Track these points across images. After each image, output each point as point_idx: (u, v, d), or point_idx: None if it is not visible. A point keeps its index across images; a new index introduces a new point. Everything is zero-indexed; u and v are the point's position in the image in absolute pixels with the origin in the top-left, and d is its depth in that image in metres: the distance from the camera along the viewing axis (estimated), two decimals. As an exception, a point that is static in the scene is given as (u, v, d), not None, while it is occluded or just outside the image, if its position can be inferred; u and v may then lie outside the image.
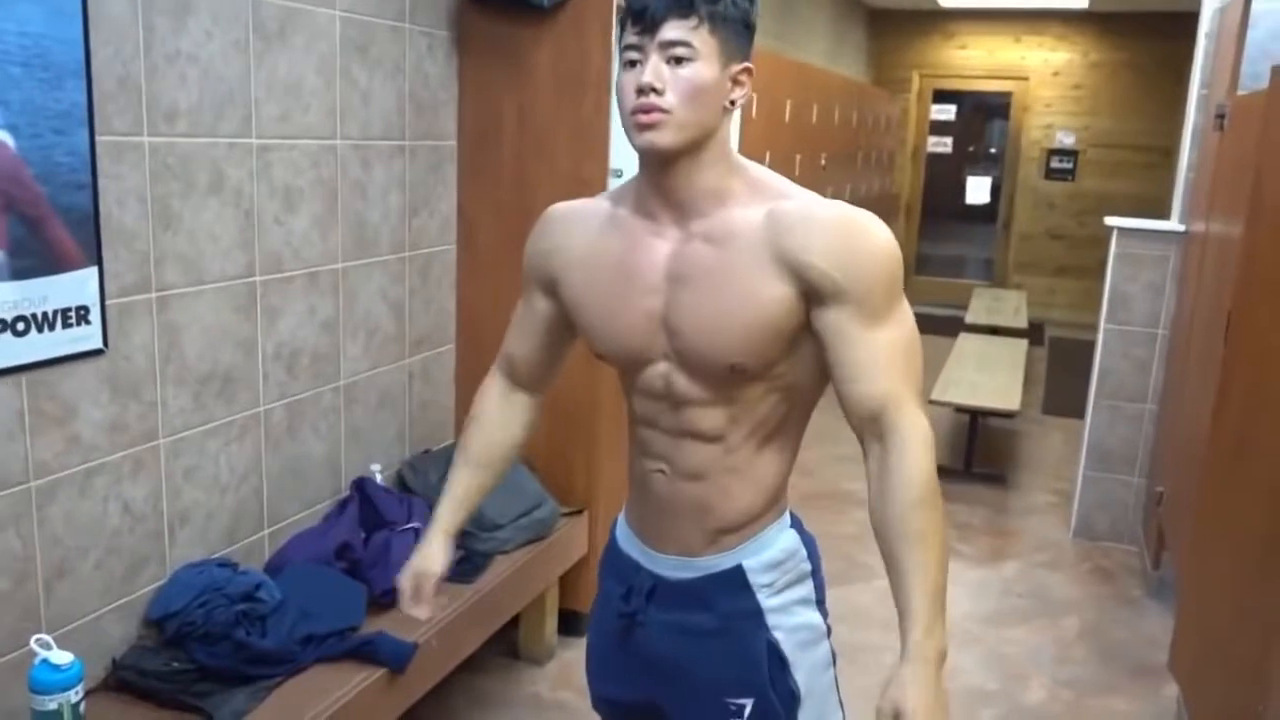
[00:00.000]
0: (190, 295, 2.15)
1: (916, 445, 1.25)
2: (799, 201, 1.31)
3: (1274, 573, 2.07)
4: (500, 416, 1.62)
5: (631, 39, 1.27)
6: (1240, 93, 3.36)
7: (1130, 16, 8.43)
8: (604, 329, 1.40)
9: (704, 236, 1.32)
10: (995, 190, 9.35)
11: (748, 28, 1.30)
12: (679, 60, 1.24)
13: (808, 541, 1.48)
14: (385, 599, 2.37)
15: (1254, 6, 3.35)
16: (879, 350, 1.27)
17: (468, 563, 2.63)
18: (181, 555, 2.21)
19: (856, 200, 6.81)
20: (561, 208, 1.50)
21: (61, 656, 1.71)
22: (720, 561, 1.43)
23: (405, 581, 1.59)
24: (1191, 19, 8.01)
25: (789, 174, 4.84)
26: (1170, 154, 8.57)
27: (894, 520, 1.25)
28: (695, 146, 1.28)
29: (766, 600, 1.42)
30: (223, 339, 2.25)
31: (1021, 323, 6.99)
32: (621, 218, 1.39)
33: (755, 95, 4.18)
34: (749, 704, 1.42)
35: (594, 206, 1.45)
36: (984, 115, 9.48)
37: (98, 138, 1.90)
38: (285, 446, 2.48)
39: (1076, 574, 3.91)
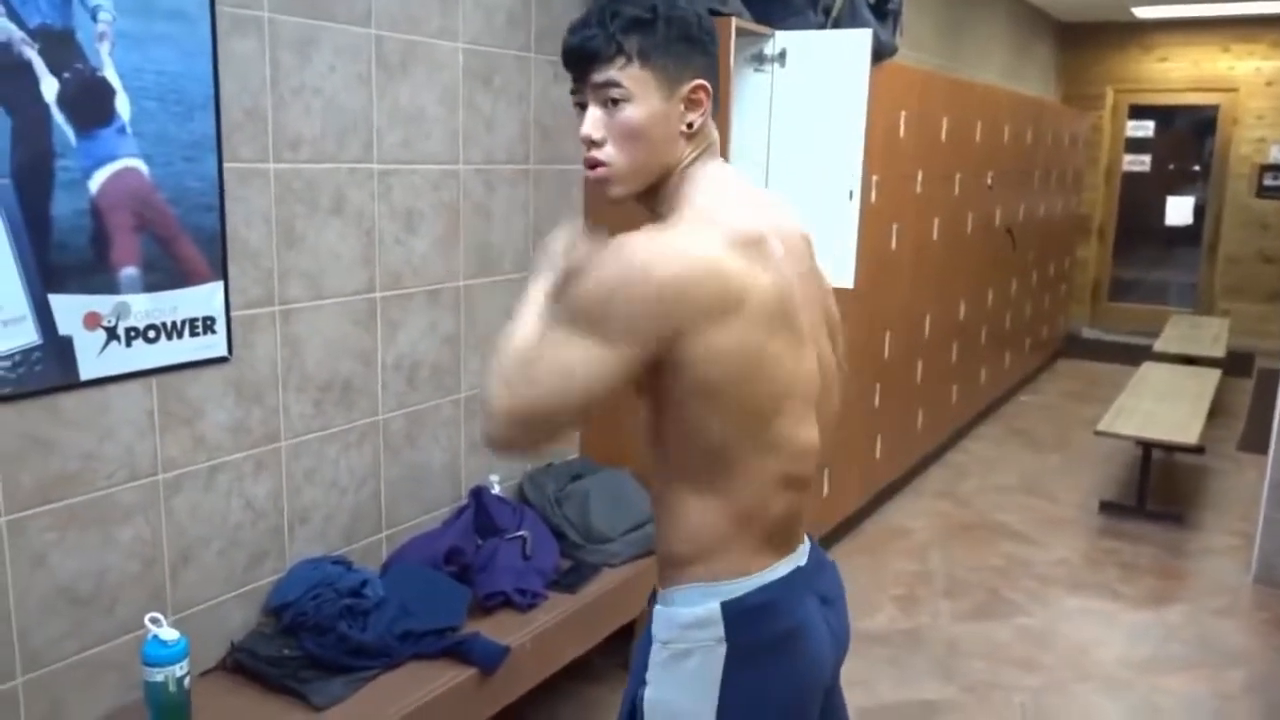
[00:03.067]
0: (311, 309, 2.32)
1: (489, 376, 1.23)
2: (651, 229, 1.24)
3: None
4: None
5: (572, 84, 1.27)
6: None
7: (1357, 17, 7.69)
8: None
9: None
10: (1199, 211, 8.69)
11: (691, 42, 1.25)
12: (615, 102, 1.23)
13: (740, 619, 1.28)
14: (489, 602, 2.46)
15: None
16: (546, 341, 1.23)
17: (575, 573, 2.69)
18: (300, 551, 2.37)
19: (1034, 221, 6.51)
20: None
21: (169, 634, 1.88)
22: (656, 597, 1.38)
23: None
24: None
25: (947, 194, 4.70)
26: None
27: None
28: (657, 183, 1.27)
29: (655, 652, 1.34)
30: (343, 350, 2.41)
31: (1219, 352, 6.45)
32: None
33: (904, 113, 4.09)
34: None
35: None
36: (1187, 130, 8.83)
37: (225, 164, 2.09)
38: (404, 454, 2.62)
39: (1252, 623, 3.57)
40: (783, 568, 1.34)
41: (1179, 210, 8.74)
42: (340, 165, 2.34)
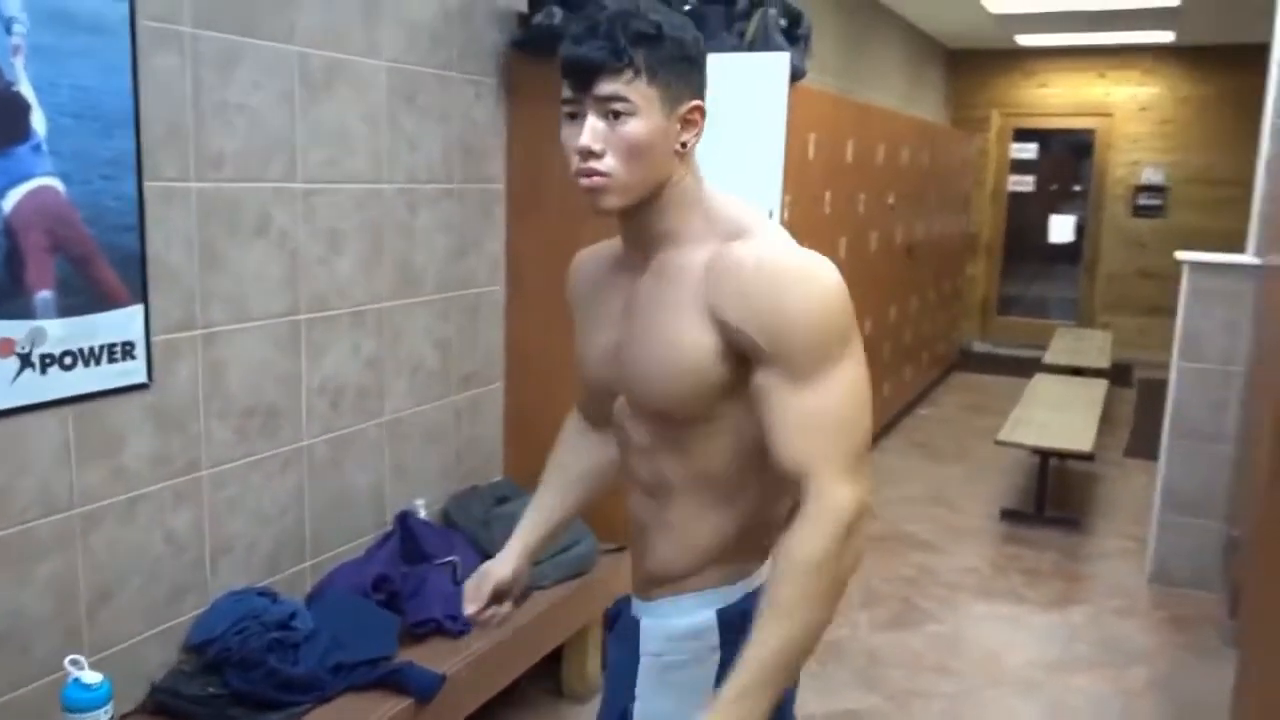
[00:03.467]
0: (234, 332, 2.25)
1: (820, 520, 1.16)
2: (740, 246, 1.23)
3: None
4: (578, 445, 1.62)
5: (567, 93, 1.23)
6: (1310, 122, 3.24)
7: (1218, 49, 8.20)
8: (583, 363, 1.42)
9: (655, 271, 1.30)
10: (1080, 229, 9.13)
11: (691, 62, 1.25)
12: (617, 115, 1.20)
13: (734, 626, 1.29)
14: (419, 630, 2.42)
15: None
16: (802, 416, 1.18)
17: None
18: (223, 583, 2.29)
19: (930, 240, 6.74)
20: (581, 253, 1.51)
21: (92, 676, 1.79)
22: (638, 609, 1.39)
23: (471, 584, 1.56)
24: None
25: (853, 214, 4.81)
26: (1250, 187, 8.27)
27: (768, 583, 1.19)
28: (650, 197, 1.25)
29: (645, 664, 1.35)
30: (266, 374, 2.34)
31: (1104, 363, 6.77)
32: (619, 256, 1.40)
33: (814, 135, 4.20)
34: None
35: (606, 248, 1.46)
36: (1068, 153, 9.28)
37: (146, 183, 2.01)
38: (329, 480, 2.56)
39: (1149, 622, 3.75)
40: (764, 572, 1.35)
41: (1061, 228, 9.16)
42: (264, 185, 2.28)
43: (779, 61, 3.09)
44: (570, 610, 2.81)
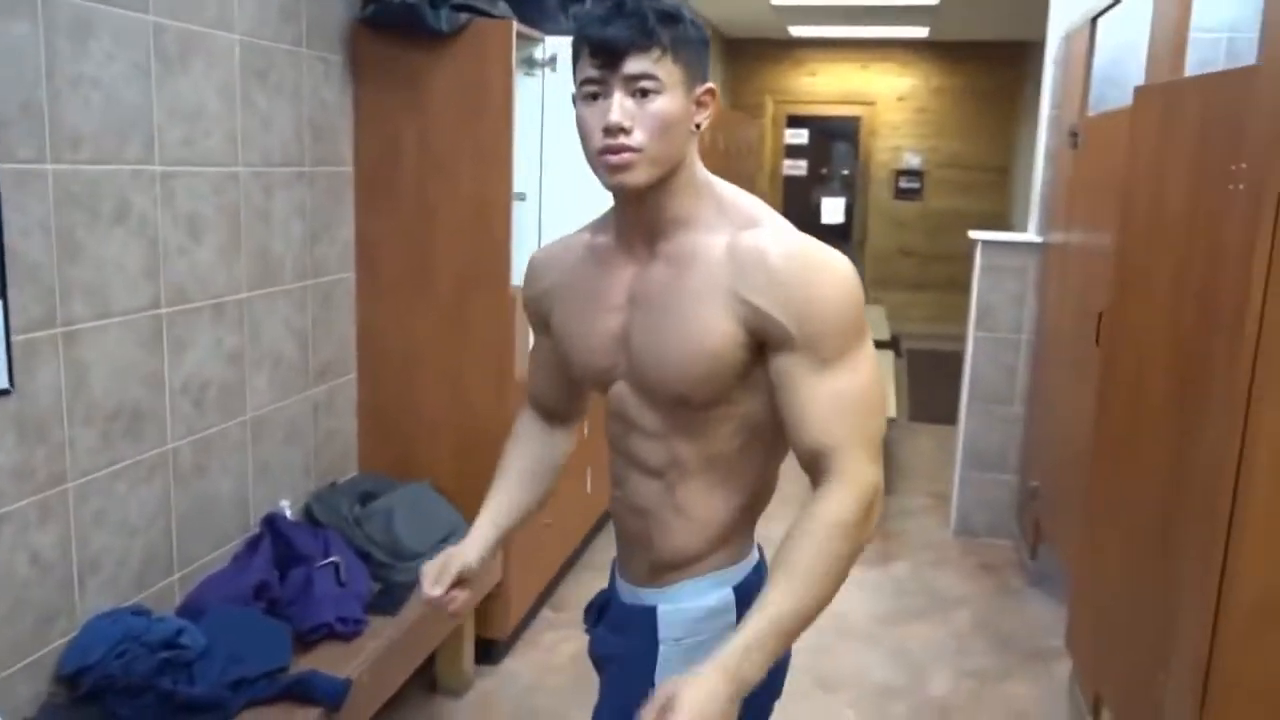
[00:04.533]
0: (97, 329, 2.05)
1: (844, 491, 1.19)
2: (760, 234, 1.26)
3: (1168, 552, 2.24)
4: (535, 440, 1.60)
5: (591, 72, 1.22)
6: (1090, 114, 3.64)
7: (967, 45, 8.97)
8: (575, 352, 1.41)
9: (666, 258, 1.30)
10: (849, 210, 9.76)
11: (705, 44, 1.28)
12: (645, 93, 1.21)
13: (748, 601, 1.26)
14: (311, 636, 2.30)
15: (1083, 36, 3.63)
16: (826, 399, 1.22)
17: (388, 595, 2.58)
18: (92, 605, 2.09)
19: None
20: (543, 252, 1.50)
21: (-15, 718, 1.60)
22: (646, 597, 1.40)
23: (431, 563, 1.47)
24: (1020, 47, 8.61)
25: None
26: (1007, 172, 9.14)
27: (781, 546, 1.20)
28: (665, 178, 1.25)
29: (666, 651, 1.36)
30: (130, 374, 2.15)
31: (884, 335, 7.29)
32: (599, 245, 1.40)
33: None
34: None
35: (574, 241, 1.45)
36: (835, 139, 9.88)
37: (0, 165, 1.79)
38: (194, 485, 2.38)
39: (962, 570, 4.11)
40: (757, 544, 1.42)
41: (832, 210, 9.74)
42: (122, 167, 2.08)
43: (631, 46, 3.12)
44: (453, 603, 2.75)
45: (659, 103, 1.22)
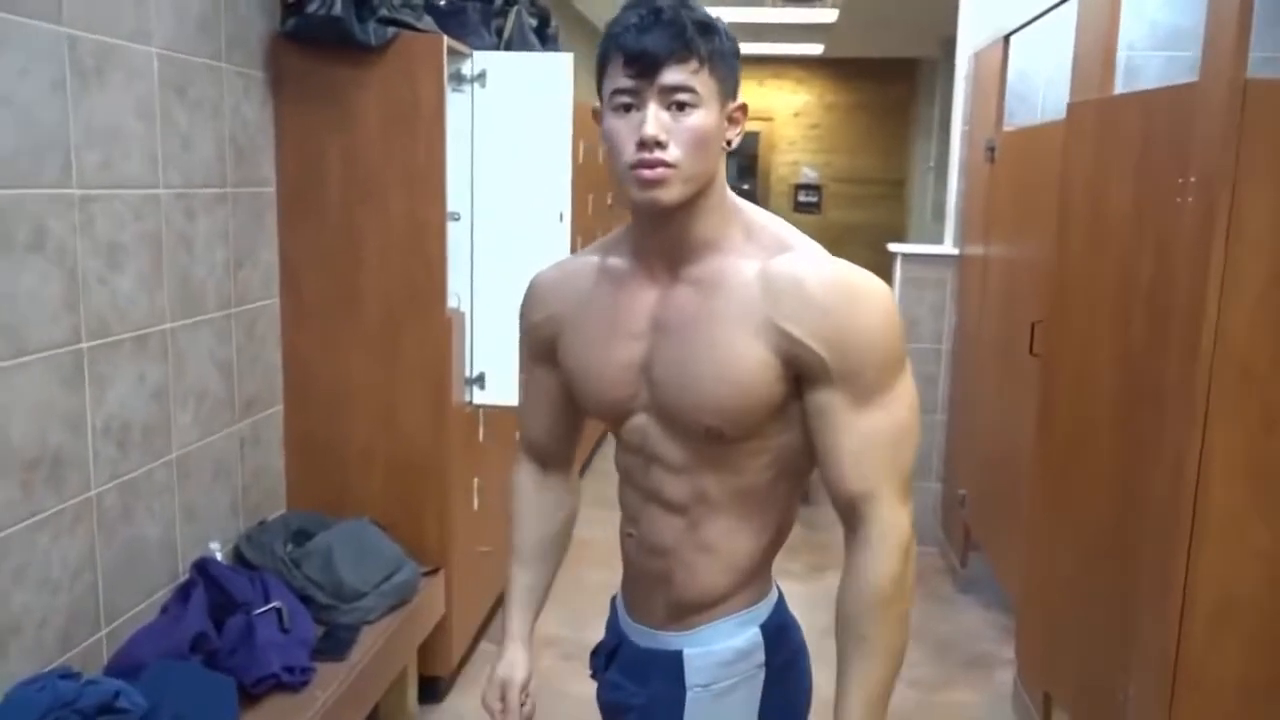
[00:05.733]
0: (14, 368, 1.87)
1: (885, 546, 1.18)
2: (795, 261, 1.20)
3: (1124, 557, 2.28)
4: (540, 505, 1.52)
5: (625, 83, 1.15)
6: (1006, 128, 3.73)
7: (860, 62, 9.20)
8: (589, 381, 1.33)
9: (693, 283, 1.23)
10: (751, 224, 9.87)
11: (737, 58, 1.22)
12: (681, 106, 1.15)
13: (775, 639, 1.33)
14: (257, 689, 2.16)
15: (996, 53, 3.73)
16: (863, 437, 1.18)
17: (334, 639, 2.44)
18: (15, 671, 1.90)
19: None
20: (548, 274, 1.41)
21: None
22: (669, 641, 1.34)
23: (492, 698, 1.45)
24: (911, 64, 8.86)
25: (584, 216, 4.81)
26: (902, 185, 9.40)
27: (847, 620, 1.21)
28: (695, 197, 1.20)
29: (694, 698, 1.31)
30: (50, 415, 1.97)
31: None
32: (613, 267, 1.32)
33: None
34: None
35: (582, 263, 1.37)
36: (739, 153, 10.00)
37: (-94, 191, 1.62)
38: (120, 532, 2.21)
39: (894, 579, 4.14)
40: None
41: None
42: (39, 191, 1.92)
43: (563, 61, 3.06)
44: (401, 641, 2.63)
45: (696, 117, 1.15)
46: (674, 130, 1.15)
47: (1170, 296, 2.11)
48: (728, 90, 1.20)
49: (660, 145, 1.14)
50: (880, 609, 1.18)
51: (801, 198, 9.54)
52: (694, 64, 1.15)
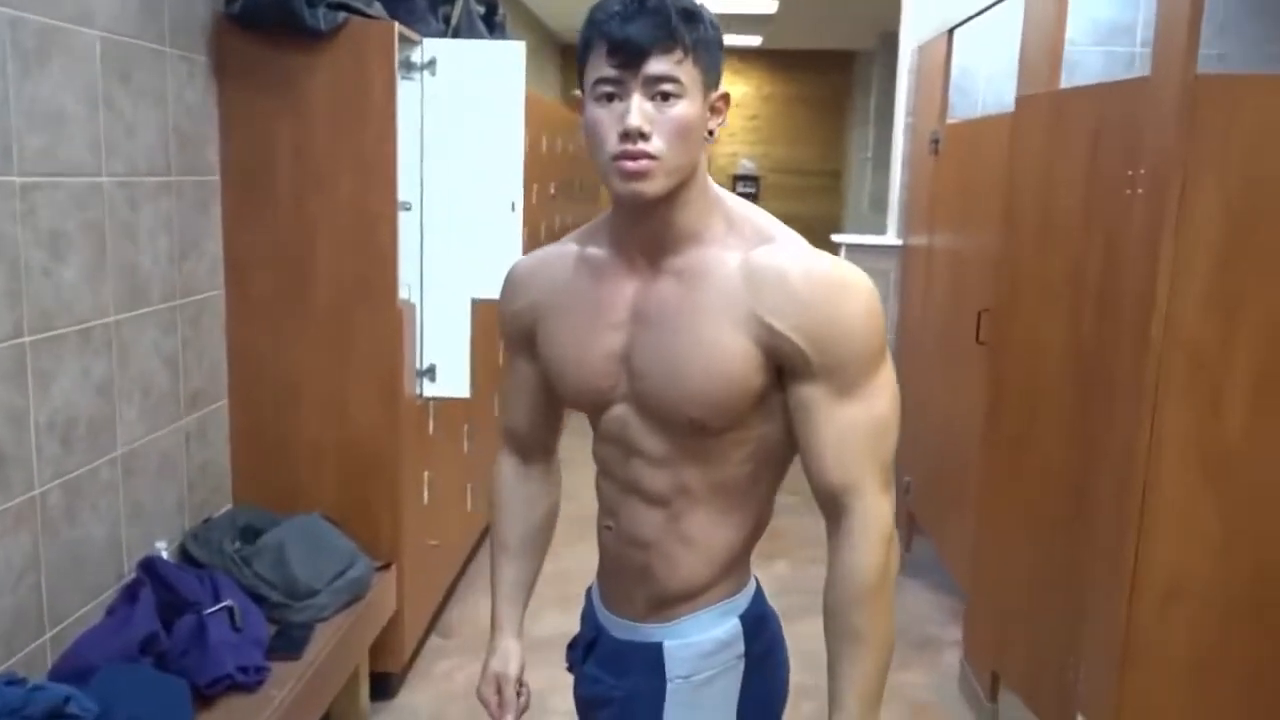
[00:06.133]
0: (-46, 364, 1.80)
1: (868, 538, 1.19)
2: (777, 253, 1.19)
3: (1076, 541, 2.34)
4: (525, 496, 1.50)
5: (608, 72, 1.13)
6: (950, 121, 3.79)
7: (797, 54, 9.27)
8: (568, 371, 1.31)
9: (675, 273, 1.23)
10: (690, 215, 9.90)
11: (721, 47, 1.21)
12: (665, 97, 1.13)
13: (754, 629, 1.33)
14: (211, 690, 2.11)
15: (940, 47, 3.79)
16: (844, 429, 1.18)
17: (287, 637, 2.39)
18: (-42, 678, 1.83)
19: (567, 229, 6.94)
20: (526, 262, 1.39)
21: None
22: (649, 633, 1.33)
23: (488, 691, 1.45)
24: (848, 56, 8.96)
25: (529, 204, 4.75)
26: (839, 176, 9.51)
27: (836, 613, 1.22)
28: (677, 188, 1.18)
29: (674, 689, 1.31)
30: (-8, 413, 1.90)
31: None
32: (592, 257, 1.31)
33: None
34: None
35: (560, 251, 1.35)
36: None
37: None
38: (64, 532, 2.13)
39: (841, 566, 4.20)
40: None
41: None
42: (-22, 178, 1.84)
43: (515, 49, 3.03)
44: (356, 637, 2.59)
45: (679, 107, 1.14)
46: (658, 121, 1.13)
47: (1120, 283, 2.16)
48: (711, 80, 1.18)
49: (644, 137, 1.13)
50: (868, 600, 1.19)
51: (740, 189, 9.59)
52: (679, 53, 1.13)
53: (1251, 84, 1.99)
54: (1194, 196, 1.98)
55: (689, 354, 1.20)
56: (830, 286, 1.17)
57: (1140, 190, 2.08)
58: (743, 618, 1.32)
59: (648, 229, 1.23)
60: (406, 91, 2.99)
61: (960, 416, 3.36)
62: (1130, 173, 2.12)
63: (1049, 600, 2.48)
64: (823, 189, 9.52)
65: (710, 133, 1.21)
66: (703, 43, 1.16)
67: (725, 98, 1.22)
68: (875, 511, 1.20)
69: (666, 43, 1.12)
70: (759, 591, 1.38)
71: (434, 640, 3.41)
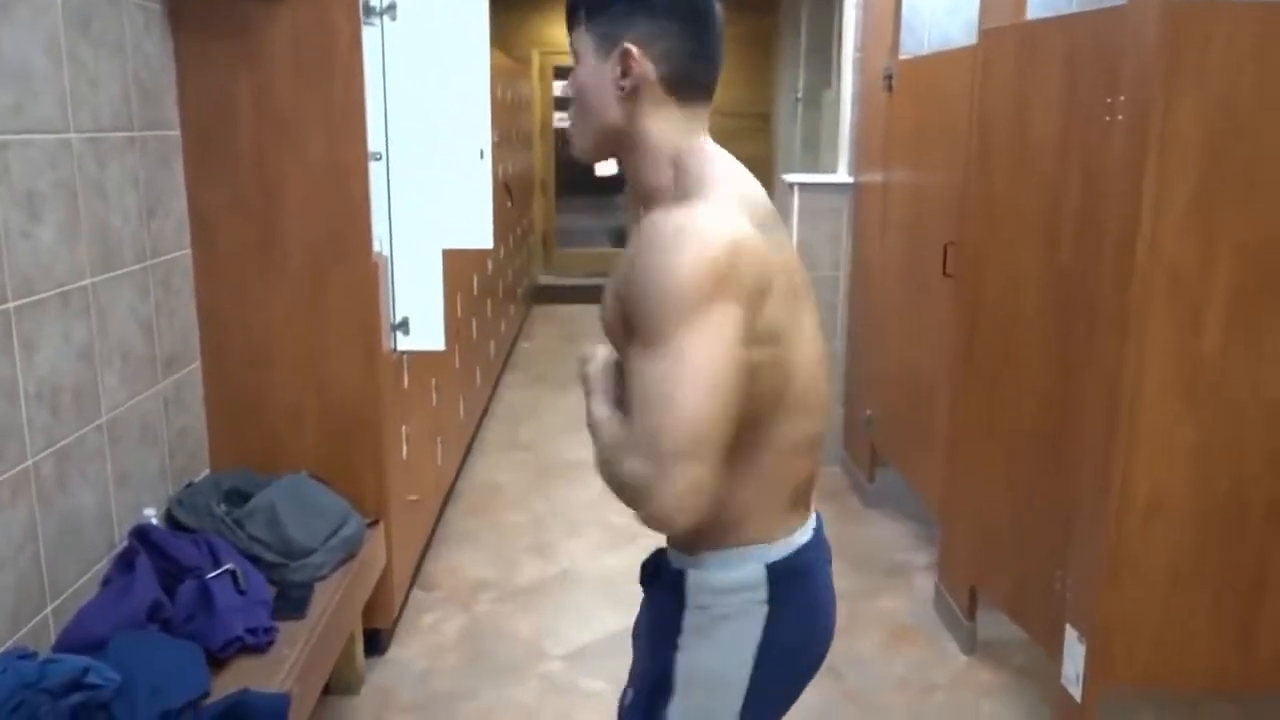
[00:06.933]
0: (-56, 332, 1.72)
1: (635, 460, 1.13)
2: (661, 212, 1.19)
3: (1060, 461, 2.44)
4: None
5: None
6: (903, 56, 3.83)
7: (723, -5, 9.20)
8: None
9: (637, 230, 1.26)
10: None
11: (629, 5, 1.23)
12: (575, 66, 1.30)
13: (782, 581, 1.30)
14: (223, 654, 2.08)
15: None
16: (634, 378, 1.15)
17: (287, 598, 2.37)
18: (-32, 655, 1.78)
19: (515, 178, 6.87)
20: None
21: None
22: (681, 560, 1.34)
23: (594, 369, 1.38)
24: (774, -3, 8.90)
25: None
26: (768, 118, 9.52)
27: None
28: (615, 145, 1.29)
29: (693, 617, 1.32)
30: (-18, 382, 1.83)
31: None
32: None
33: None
34: (630, 694, 1.43)
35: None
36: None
37: None
38: (58, 502, 2.07)
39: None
40: (807, 530, 1.36)
41: (606, 163, 9.77)
42: (-46, 136, 1.75)
43: (477, -6, 2.96)
44: (354, 594, 2.58)
45: (574, 74, 1.29)
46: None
47: (1100, 210, 2.23)
48: (608, 38, 1.25)
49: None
50: (617, 445, 1.19)
51: (671, 133, 9.56)
52: (579, 28, 1.28)
53: (1226, 9, 2.06)
54: (1174, 122, 2.04)
55: (609, 307, 1.27)
56: (663, 235, 1.14)
57: (1120, 117, 2.14)
58: (771, 566, 1.30)
59: (632, 189, 1.32)
60: (368, 37, 2.91)
61: (926, 348, 3.44)
62: (1109, 100, 2.17)
63: (1032, 519, 2.58)
64: (752, 130, 9.52)
65: (621, 88, 1.24)
66: (596, 7, 1.26)
67: (625, 52, 1.23)
68: (630, 467, 1.14)
69: (571, 20, 1.28)
70: (804, 550, 1.34)
71: (417, 593, 3.40)
